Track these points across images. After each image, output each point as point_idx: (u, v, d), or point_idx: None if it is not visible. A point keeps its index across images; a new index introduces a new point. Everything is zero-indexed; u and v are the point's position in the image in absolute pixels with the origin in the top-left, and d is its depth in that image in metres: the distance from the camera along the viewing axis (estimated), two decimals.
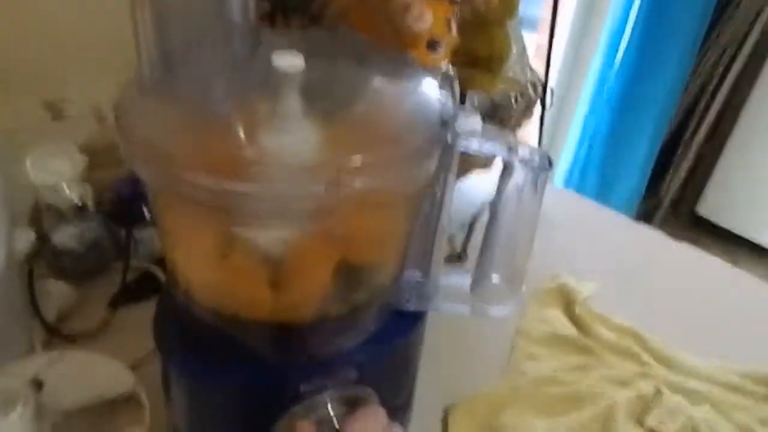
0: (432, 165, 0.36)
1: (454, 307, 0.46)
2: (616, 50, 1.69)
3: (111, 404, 0.52)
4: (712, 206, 2.03)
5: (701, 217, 2.06)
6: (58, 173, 0.67)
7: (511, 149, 0.38)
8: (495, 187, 0.41)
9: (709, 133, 1.97)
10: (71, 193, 0.65)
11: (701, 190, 2.04)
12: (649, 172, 1.94)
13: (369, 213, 0.36)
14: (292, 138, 0.32)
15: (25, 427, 0.47)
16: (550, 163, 0.39)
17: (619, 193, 1.88)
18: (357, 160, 0.31)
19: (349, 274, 0.39)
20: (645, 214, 2.06)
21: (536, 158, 0.38)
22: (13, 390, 0.48)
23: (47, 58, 0.62)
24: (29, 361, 0.56)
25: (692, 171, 2.07)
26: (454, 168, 0.40)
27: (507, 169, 0.40)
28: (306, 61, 0.34)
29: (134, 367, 0.56)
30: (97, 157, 0.70)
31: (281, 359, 0.40)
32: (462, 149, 0.37)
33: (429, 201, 0.41)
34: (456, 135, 0.37)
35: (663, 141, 1.93)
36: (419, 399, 0.53)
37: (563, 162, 1.91)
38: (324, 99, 0.35)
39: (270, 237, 0.34)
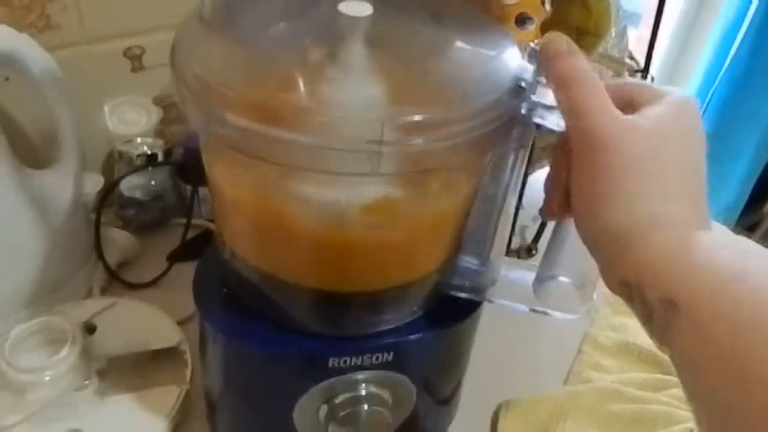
0: (501, 135, 0.32)
1: (511, 304, 0.42)
2: (728, 51, 1.55)
3: (156, 357, 0.53)
4: None
5: None
6: (134, 124, 0.68)
7: None
8: None
9: None
10: (143, 144, 0.66)
11: None
12: (751, 186, 1.79)
13: (427, 182, 0.33)
14: (351, 89, 0.30)
15: (71, 366, 0.48)
16: None
17: (717, 204, 1.74)
18: (415, 116, 0.28)
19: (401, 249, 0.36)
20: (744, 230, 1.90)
21: None
22: (65, 330, 0.49)
23: (128, 7, 0.62)
24: (84, 305, 0.57)
25: None
26: (527, 144, 0.35)
27: None
28: (376, 10, 0.31)
29: (181, 323, 0.56)
30: (170, 110, 0.70)
31: (316, 329, 0.38)
32: (537, 122, 0.33)
33: (496, 180, 0.37)
34: (532, 106, 0.33)
35: None
36: (467, 395, 0.50)
37: None
38: (390, 52, 0.32)
39: (318, 199, 0.32)
